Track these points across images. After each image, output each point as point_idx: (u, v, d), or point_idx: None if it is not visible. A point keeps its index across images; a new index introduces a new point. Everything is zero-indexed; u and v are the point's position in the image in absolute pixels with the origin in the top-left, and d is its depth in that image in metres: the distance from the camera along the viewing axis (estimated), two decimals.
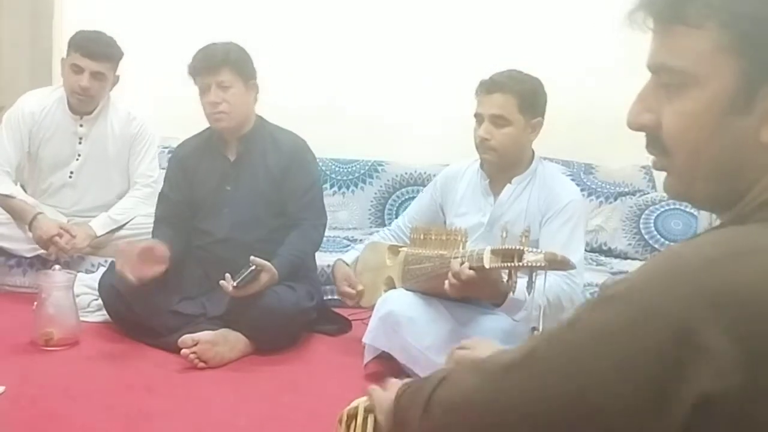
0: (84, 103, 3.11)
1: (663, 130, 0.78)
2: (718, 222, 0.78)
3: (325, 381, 2.40)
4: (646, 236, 3.50)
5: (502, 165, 2.44)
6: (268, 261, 2.51)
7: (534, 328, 2.09)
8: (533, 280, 2.01)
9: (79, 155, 3.20)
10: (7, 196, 3.09)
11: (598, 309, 0.69)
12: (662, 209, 3.53)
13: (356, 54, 3.96)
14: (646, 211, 3.55)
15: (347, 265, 2.71)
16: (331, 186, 3.85)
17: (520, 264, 1.97)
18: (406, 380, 0.89)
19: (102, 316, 2.77)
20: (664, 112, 0.77)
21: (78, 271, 2.88)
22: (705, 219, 3.35)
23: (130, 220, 3.16)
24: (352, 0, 3.99)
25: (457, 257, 2.15)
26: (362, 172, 3.93)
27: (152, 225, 2.84)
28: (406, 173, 3.91)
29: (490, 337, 2.27)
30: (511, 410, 0.69)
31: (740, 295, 0.63)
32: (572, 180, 2.73)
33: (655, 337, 0.63)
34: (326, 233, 2.86)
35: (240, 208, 2.73)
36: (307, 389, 2.35)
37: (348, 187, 3.90)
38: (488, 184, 2.49)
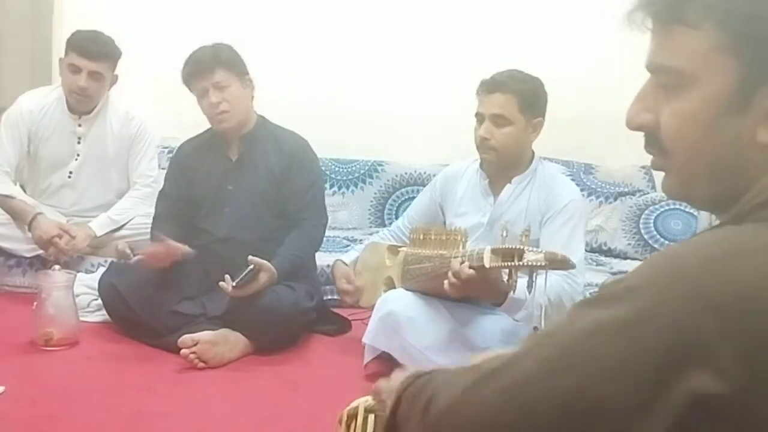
0: (82, 103, 3.11)
1: (661, 130, 0.78)
2: (717, 222, 0.78)
3: (325, 381, 2.40)
4: (645, 236, 3.50)
5: (503, 165, 2.44)
6: (269, 260, 2.51)
7: (536, 328, 2.09)
8: (534, 279, 2.01)
9: (78, 155, 3.20)
10: (6, 196, 3.09)
11: (596, 308, 0.69)
12: (662, 209, 3.53)
13: (356, 54, 3.96)
14: (646, 211, 3.55)
15: (346, 265, 2.71)
16: (331, 186, 3.84)
17: (521, 263, 1.97)
18: (410, 373, 0.88)
19: (102, 316, 2.77)
20: (663, 111, 0.78)
21: (78, 271, 2.88)
22: (705, 219, 3.35)
23: (130, 220, 3.16)
24: (353, 0, 3.99)
25: (457, 257, 2.15)
26: (362, 172, 3.93)
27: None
28: (406, 173, 3.91)
29: (490, 337, 2.28)
30: (510, 411, 0.69)
31: (738, 295, 0.63)
32: (572, 180, 2.72)
33: (653, 337, 0.63)
34: (326, 233, 2.86)
35: (241, 207, 2.73)
36: (307, 389, 2.35)
37: (348, 187, 3.90)
38: (488, 183, 2.49)
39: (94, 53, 3.00)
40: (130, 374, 2.38)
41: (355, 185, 3.91)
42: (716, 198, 0.78)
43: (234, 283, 2.46)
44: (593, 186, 3.75)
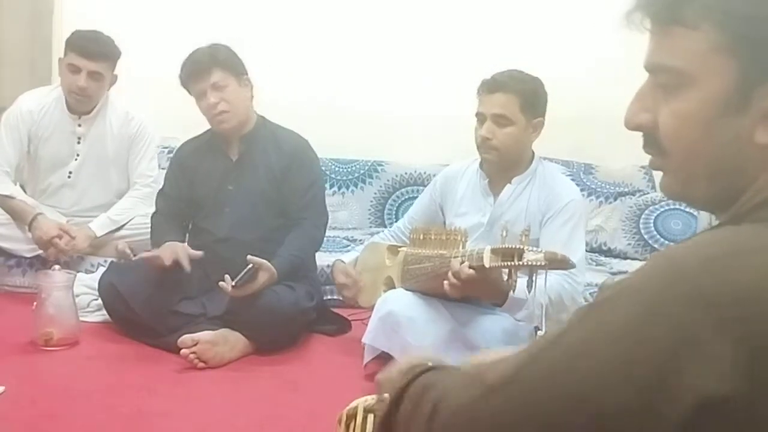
0: (82, 103, 3.11)
1: (660, 130, 0.78)
2: (717, 222, 0.78)
3: (325, 381, 2.41)
4: (645, 236, 3.50)
5: (503, 165, 2.44)
6: (269, 260, 2.51)
7: (537, 328, 2.09)
8: (533, 279, 2.01)
9: (77, 155, 3.20)
10: (6, 196, 3.09)
11: (597, 311, 0.69)
12: (662, 209, 3.53)
13: (356, 54, 3.96)
14: (646, 211, 3.55)
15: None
16: (331, 186, 3.84)
17: (520, 263, 1.97)
18: (409, 365, 0.87)
19: (102, 316, 2.78)
20: (661, 112, 0.78)
21: (78, 271, 2.88)
22: (705, 219, 3.35)
23: (130, 221, 3.16)
24: (353, 0, 3.99)
25: (457, 257, 2.15)
26: (362, 172, 3.93)
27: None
28: (406, 173, 3.91)
29: (491, 337, 2.28)
30: (521, 423, 0.69)
31: (738, 295, 0.63)
32: (572, 180, 2.73)
33: (654, 339, 0.63)
34: (326, 233, 2.86)
35: (241, 207, 2.73)
36: (307, 389, 2.35)
37: (348, 187, 3.90)
38: (488, 183, 2.49)
39: (93, 53, 3.00)
40: (130, 374, 2.38)
41: (355, 185, 3.91)
42: (715, 198, 0.78)
43: (233, 283, 2.46)
44: (593, 186, 3.75)
